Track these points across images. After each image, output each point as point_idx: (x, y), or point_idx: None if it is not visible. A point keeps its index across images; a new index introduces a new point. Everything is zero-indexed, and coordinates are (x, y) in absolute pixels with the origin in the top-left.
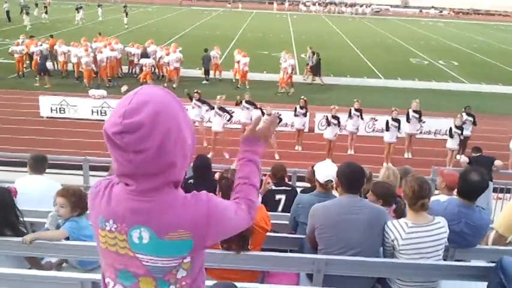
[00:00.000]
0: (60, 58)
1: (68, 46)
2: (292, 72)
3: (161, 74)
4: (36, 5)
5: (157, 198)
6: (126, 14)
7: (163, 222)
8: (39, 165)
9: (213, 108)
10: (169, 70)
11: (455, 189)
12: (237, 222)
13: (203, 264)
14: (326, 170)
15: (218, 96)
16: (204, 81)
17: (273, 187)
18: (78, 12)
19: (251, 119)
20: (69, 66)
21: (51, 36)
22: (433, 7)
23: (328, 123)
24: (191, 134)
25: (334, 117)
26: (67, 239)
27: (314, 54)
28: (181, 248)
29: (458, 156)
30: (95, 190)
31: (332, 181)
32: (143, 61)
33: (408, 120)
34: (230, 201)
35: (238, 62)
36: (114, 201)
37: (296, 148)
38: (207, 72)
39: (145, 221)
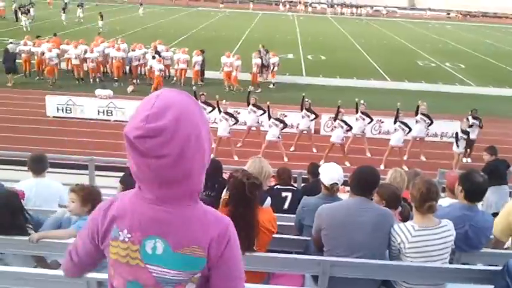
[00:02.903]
0: (23, 54)
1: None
2: (257, 71)
3: (168, 74)
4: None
5: (176, 210)
6: (101, 17)
7: (179, 236)
8: (38, 166)
9: (214, 108)
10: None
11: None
12: (241, 278)
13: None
14: (332, 173)
15: (223, 101)
16: (199, 82)
17: (279, 186)
18: (64, 12)
19: (257, 122)
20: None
21: (55, 34)
22: (429, 9)
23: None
24: (208, 140)
25: (342, 120)
26: None
27: (267, 53)
28: (194, 263)
29: (464, 159)
30: (106, 203)
31: (337, 184)
32: (151, 62)
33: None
34: None
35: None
36: (129, 211)
37: (291, 149)
38: (202, 73)
39: (161, 233)
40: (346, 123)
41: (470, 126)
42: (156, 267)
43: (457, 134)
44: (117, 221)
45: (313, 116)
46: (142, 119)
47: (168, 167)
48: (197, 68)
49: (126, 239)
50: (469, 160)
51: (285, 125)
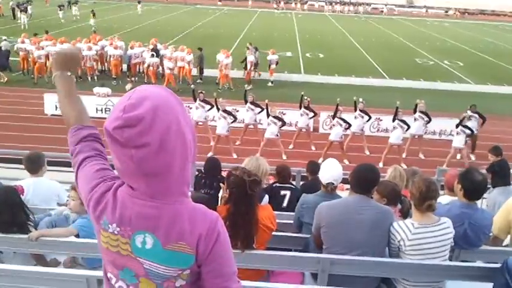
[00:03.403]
0: (21, 52)
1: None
2: (251, 69)
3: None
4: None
5: (164, 206)
6: (94, 15)
7: (168, 231)
8: (33, 165)
9: (212, 106)
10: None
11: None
12: (233, 273)
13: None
14: (329, 171)
15: (220, 99)
16: (198, 80)
17: (278, 184)
18: (60, 9)
19: (255, 120)
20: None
21: (47, 32)
22: (425, 6)
23: (338, 118)
24: (191, 134)
25: (341, 118)
26: (77, 236)
27: (257, 50)
28: (182, 260)
29: (472, 157)
30: (99, 190)
31: (333, 183)
32: (149, 60)
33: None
34: None
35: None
36: (119, 205)
37: (290, 147)
38: (201, 71)
39: (150, 228)
40: (344, 121)
41: (469, 119)
42: (146, 260)
43: (457, 125)
44: (106, 212)
45: (311, 114)
46: (120, 109)
47: (149, 157)
48: (191, 66)
49: (116, 232)
50: (472, 158)
51: (284, 123)
